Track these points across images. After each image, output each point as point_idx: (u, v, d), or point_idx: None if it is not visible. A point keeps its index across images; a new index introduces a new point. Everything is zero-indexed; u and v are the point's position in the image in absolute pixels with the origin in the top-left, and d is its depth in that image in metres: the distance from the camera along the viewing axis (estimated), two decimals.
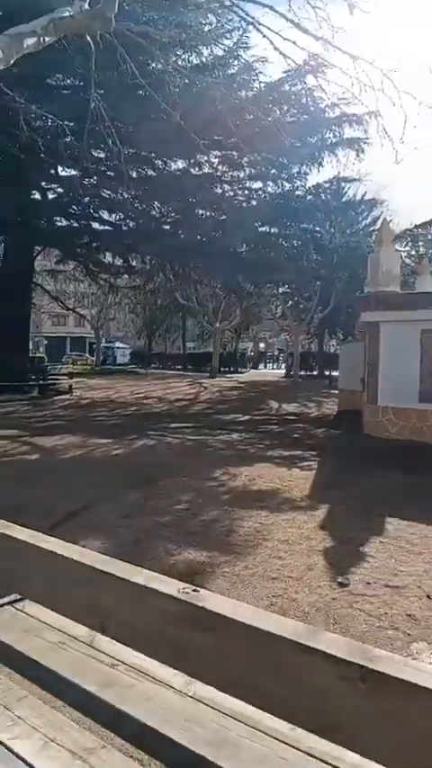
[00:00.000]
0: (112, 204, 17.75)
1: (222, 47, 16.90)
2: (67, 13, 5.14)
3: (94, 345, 49.09)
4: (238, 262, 17.70)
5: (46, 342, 53.91)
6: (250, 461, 9.04)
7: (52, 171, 18.31)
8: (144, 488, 7.07)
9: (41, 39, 4.98)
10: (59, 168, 19.09)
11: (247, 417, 15.03)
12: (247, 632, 1.14)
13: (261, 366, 53.98)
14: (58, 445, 10.16)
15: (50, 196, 18.88)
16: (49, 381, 19.26)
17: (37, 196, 18.72)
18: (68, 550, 1.59)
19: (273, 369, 49.95)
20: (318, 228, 20.22)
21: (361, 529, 5.64)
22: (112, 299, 32.92)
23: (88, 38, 5.84)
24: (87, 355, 52.21)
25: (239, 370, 44.78)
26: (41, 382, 18.82)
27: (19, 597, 2.04)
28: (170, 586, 1.31)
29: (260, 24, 9.26)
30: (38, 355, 48.52)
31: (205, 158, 16.64)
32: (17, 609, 2.02)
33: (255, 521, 5.84)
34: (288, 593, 4.13)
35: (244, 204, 17.86)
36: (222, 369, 43.01)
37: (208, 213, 17.81)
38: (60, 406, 16.80)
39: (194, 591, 1.27)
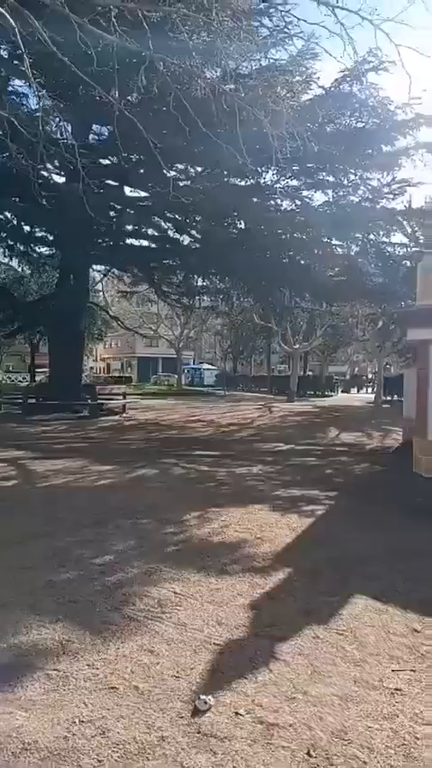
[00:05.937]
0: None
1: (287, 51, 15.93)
2: None
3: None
4: (282, 276, 16.33)
5: (136, 362, 55.30)
6: (245, 502, 7.68)
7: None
8: (82, 531, 6.02)
9: None
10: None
11: (288, 447, 13.51)
12: None
13: (354, 390, 51.75)
14: (51, 471, 9.44)
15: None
16: (100, 401, 18.90)
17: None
18: None
19: (367, 393, 47.20)
20: (384, 239, 18.13)
21: (305, 612, 4.18)
22: (185, 319, 32.64)
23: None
24: (175, 376, 52.71)
25: (326, 393, 42.91)
26: (90, 402, 18.50)
27: None
28: None
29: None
30: (124, 375, 49.82)
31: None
32: None
33: (174, 587, 4.56)
34: (98, 719, 2.85)
35: (298, 215, 16.43)
36: (308, 392, 41.44)
37: (243, 225, 16.71)
38: (101, 427, 16.28)
39: None
